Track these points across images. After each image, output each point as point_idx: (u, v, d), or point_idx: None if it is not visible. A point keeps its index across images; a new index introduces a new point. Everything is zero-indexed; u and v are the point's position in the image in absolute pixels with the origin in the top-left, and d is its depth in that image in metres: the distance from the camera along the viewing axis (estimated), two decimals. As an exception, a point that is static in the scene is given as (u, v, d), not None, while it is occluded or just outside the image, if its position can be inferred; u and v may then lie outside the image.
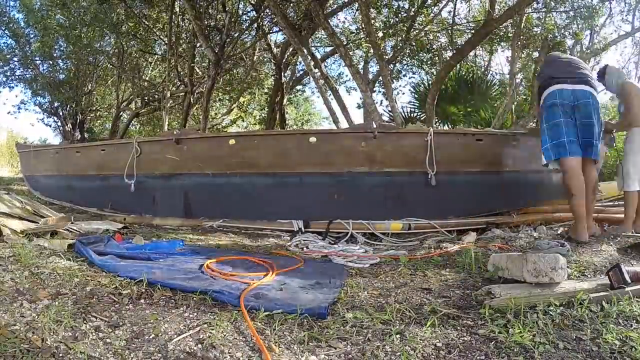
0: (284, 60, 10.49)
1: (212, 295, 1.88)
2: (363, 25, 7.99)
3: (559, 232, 3.66)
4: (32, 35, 12.16)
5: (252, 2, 9.29)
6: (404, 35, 8.72)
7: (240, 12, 10.17)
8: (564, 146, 3.12)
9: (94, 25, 10.22)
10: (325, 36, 10.23)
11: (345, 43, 9.61)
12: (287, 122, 12.39)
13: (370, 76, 10.55)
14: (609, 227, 3.66)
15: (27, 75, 12.98)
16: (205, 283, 2.08)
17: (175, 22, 9.79)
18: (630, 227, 3.39)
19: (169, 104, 9.94)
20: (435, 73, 9.44)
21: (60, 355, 1.33)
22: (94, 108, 14.97)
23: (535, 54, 8.90)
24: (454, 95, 9.09)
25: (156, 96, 12.44)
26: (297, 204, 4.18)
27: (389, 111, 8.33)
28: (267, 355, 1.40)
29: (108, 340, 1.44)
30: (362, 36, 10.23)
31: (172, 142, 4.51)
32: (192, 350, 1.43)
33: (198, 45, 9.85)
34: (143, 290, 1.94)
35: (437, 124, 9.29)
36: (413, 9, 8.49)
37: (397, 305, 1.88)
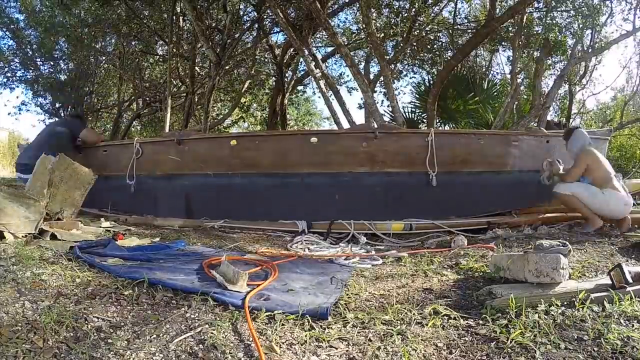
0: (284, 61, 10.49)
1: (214, 296, 1.88)
2: (364, 26, 7.99)
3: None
4: (32, 37, 12.17)
5: (253, 2, 9.29)
6: (405, 35, 8.72)
7: (241, 12, 10.18)
8: None
9: (94, 25, 10.24)
10: (327, 36, 10.23)
11: (346, 43, 9.62)
12: (288, 122, 12.39)
13: (372, 76, 10.55)
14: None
15: (28, 76, 12.99)
16: (206, 284, 2.09)
17: (176, 22, 9.79)
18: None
19: (170, 105, 9.93)
20: (436, 73, 9.44)
21: (62, 355, 1.33)
22: (95, 109, 14.98)
23: (537, 54, 8.89)
24: (455, 96, 9.09)
25: (157, 97, 12.45)
26: (298, 205, 4.18)
27: (390, 111, 8.33)
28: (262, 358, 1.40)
29: (110, 341, 1.45)
30: (362, 36, 10.24)
31: (173, 142, 4.52)
32: (193, 351, 1.43)
33: (199, 45, 9.86)
34: (144, 290, 1.94)
35: (439, 124, 9.29)
36: (414, 9, 8.49)
37: (399, 306, 1.88)
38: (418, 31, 9.15)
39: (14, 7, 12.07)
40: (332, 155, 4.20)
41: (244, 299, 1.83)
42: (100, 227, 3.68)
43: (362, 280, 2.35)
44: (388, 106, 9.15)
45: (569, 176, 3.83)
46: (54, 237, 2.88)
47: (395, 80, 10.37)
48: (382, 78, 8.99)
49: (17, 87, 13.18)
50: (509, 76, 9.59)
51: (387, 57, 8.46)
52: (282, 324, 1.67)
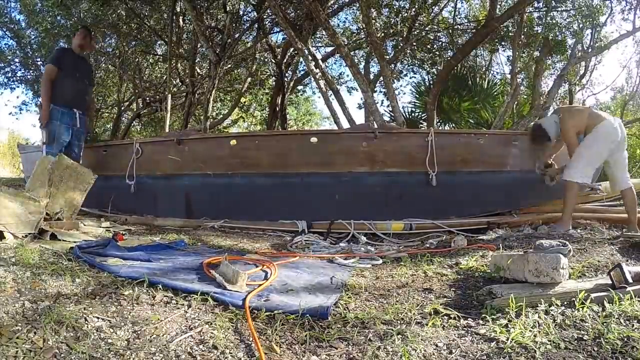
0: (284, 61, 10.48)
1: (214, 296, 1.88)
2: (364, 26, 7.99)
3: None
4: (33, 37, 12.17)
5: (253, 2, 9.29)
6: (404, 35, 8.72)
7: (241, 12, 10.18)
8: None
9: (94, 26, 10.23)
10: (327, 36, 10.22)
11: (346, 43, 9.62)
12: (288, 122, 12.39)
13: (372, 76, 10.54)
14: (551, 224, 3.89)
15: (28, 76, 12.99)
16: (206, 284, 2.09)
17: (176, 22, 9.79)
18: (568, 222, 3.72)
19: (170, 105, 9.93)
20: (436, 73, 9.44)
21: (62, 355, 1.33)
22: (95, 109, 14.97)
23: (537, 54, 8.89)
24: (455, 95, 9.09)
25: (157, 97, 12.45)
26: (298, 205, 4.18)
27: (390, 111, 8.34)
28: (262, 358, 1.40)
29: (110, 341, 1.45)
30: (362, 36, 10.23)
31: (173, 142, 4.52)
32: (193, 351, 1.43)
33: (199, 45, 9.86)
34: (144, 290, 1.94)
35: (438, 123, 9.29)
36: (414, 9, 8.50)
37: (399, 306, 1.88)
38: (418, 31, 9.16)
39: (14, 7, 12.07)
40: (332, 155, 4.20)
41: (244, 299, 1.83)
42: (100, 227, 3.68)
43: (362, 280, 2.35)
44: (388, 106, 9.17)
45: (570, 151, 3.83)
46: (54, 237, 2.88)
47: (395, 80, 10.37)
48: (382, 78, 8.99)
49: (17, 87, 13.18)
50: (509, 76, 9.58)
51: (387, 57, 8.46)
52: (282, 324, 1.67)
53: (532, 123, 4.33)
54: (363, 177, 4.17)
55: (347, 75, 12.91)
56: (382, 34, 9.12)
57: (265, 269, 2.44)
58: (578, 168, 3.71)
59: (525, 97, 10.20)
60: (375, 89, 10.30)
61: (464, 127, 9.09)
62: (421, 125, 9.21)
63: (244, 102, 14.08)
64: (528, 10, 7.90)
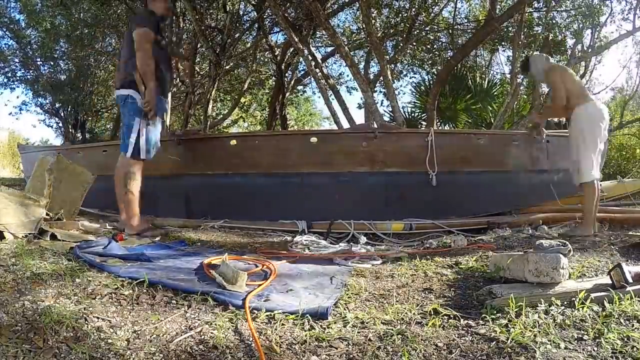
0: (284, 61, 10.48)
1: (214, 296, 1.88)
2: (364, 25, 8.00)
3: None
4: (33, 37, 12.18)
5: (253, 2, 9.29)
6: (404, 35, 8.73)
7: (241, 12, 10.18)
8: None
9: (94, 26, 10.24)
10: (327, 36, 10.23)
11: (346, 43, 9.62)
12: (288, 122, 12.40)
13: (371, 76, 10.55)
14: (574, 225, 3.74)
15: (28, 76, 13.00)
16: (206, 284, 2.09)
17: (176, 22, 9.79)
18: (591, 226, 3.44)
19: (170, 105, 9.94)
20: (436, 73, 9.45)
21: (62, 355, 1.33)
22: (96, 109, 14.98)
23: (537, 54, 8.90)
24: (455, 95, 9.10)
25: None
26: (298, 205, 4.18)
27: (390, 111, 8.34)
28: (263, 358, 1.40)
29: (110, 341, 1.45)
30: (362, 36, 10.24)
31: (173, 142, 4.52)
32: (193, 351, 1.44)
33: (199, 45, 9.87)
34: (144, 290, 1.94)
35: (438, 123, 9.29)
36: (414, 9, 8.51)
37: (399, 306, 1.88)
38: (418, 31, 9.16)
39: (14, 7, 12.08)
40: (332, 155, 4.20)
41: (244, 299, 1.83)
42: (101, 227, 3.68)
43: (362, 280, 2.35)
44: (388, 106, 9.17)
45: (554, 102, 3.61)
46: (54, 237, 2.88)
47: (395, 80, 10.38)
48: (382, 78, 8.99)
49: (17, 87, 13.20)
50: (509, 76, 9.58)
51: (387, 57, 8.47)
52: (282, 324, 1.67)
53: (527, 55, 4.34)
54: (363, 177, 4.17)
55: (347, 75, 12.92)
56: (382, 34, 9.12)
57: (265, 269, 2.44)
58: (592, 166, 3.45)
59: (525, 97, 10.20)
60: (375, 89, 10.31)
61: (464, 127, 9.09)
62: (421, 125, 9.21)
63: (244, 102, 14.08)
64: (528, 10, 7.91)
